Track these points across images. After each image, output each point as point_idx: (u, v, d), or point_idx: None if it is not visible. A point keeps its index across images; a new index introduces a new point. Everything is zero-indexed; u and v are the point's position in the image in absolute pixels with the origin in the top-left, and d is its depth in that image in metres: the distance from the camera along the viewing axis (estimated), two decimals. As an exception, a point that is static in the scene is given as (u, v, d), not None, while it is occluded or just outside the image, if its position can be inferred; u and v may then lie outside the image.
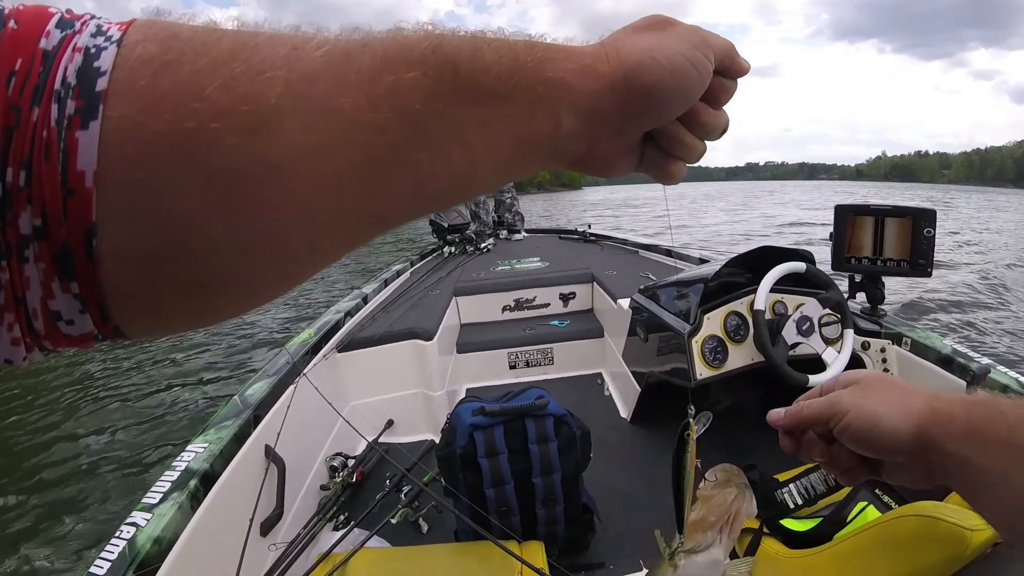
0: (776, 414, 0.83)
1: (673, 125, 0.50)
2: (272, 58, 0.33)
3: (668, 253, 5.60)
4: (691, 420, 0.77)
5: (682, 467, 0.75)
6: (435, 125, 0.37)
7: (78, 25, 0.31)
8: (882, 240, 2.73)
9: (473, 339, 4.77)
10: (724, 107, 0.53)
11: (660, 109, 0.47)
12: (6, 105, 0.28)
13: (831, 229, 2.86)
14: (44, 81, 0.29)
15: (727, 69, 0.51)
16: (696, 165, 0.54)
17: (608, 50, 0.45)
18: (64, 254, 0.29)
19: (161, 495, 1.93)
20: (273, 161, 0.32)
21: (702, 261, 4.72)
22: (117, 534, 1.76)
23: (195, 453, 2.19)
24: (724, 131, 0.52)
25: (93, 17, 0.33)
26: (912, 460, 0.69)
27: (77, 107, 0.29)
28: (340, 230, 0.39)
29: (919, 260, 2.66)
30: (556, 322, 5.01)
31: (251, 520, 2.25)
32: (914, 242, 2.65)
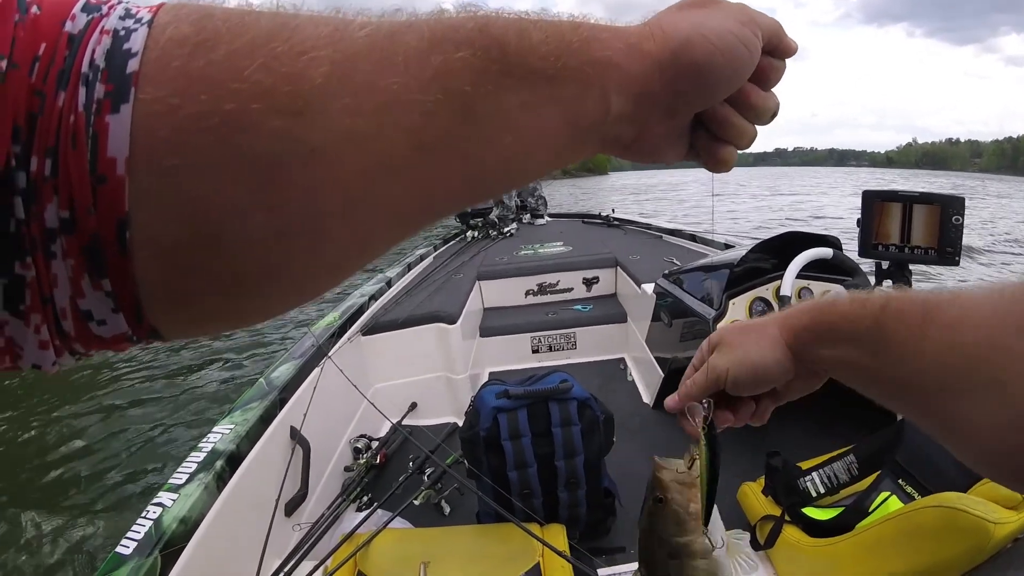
0: (671, 400, 0.83)
1: (723, 107, 0.49)
2: (315, 38, 0.31)
3: (692, 238, 5.57)
4: (712, 417, 0.77)
5: (716, 466, 0.75)
6: (485, 108, 0.36)
7: (105, 9, 0.30)
8: (910, 227, 2.69)
9: (496, 323, 4.78)
10: (773, 89, 0.51)
11: (710, 88, 0.46)
12: (29, 91, 0.27)
13: (858, 216, 2.83)
14: (70, 65, 0.27)
15: (775, 48, 0.49)
16: None
17: (653, 29, 0.44)
18: (94, 248, 0.28)
19: (188, 476, 1.96)
20: (318, 145, 0.30)
21: (727, 246, 4.69)
22: (144, 514, 1.78)
23: (221, 434, 2.22)
24: (775, 114, 0.51)
25: (121, 1, 0.31)
26: (797, 375, 0.75)
27: (107, 91, 0.27)
28: (387, 219, 0.37)
29: (947, 248, 2.62)
30: (579, 307, 5.00)
31: (276, 501, 2.28)
32: (942, 230, 2.61)
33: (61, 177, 0.27)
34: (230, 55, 0.29)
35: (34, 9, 0.28)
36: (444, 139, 0.35)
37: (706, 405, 0.76)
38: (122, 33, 0.29)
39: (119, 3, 0.31)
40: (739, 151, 0.52)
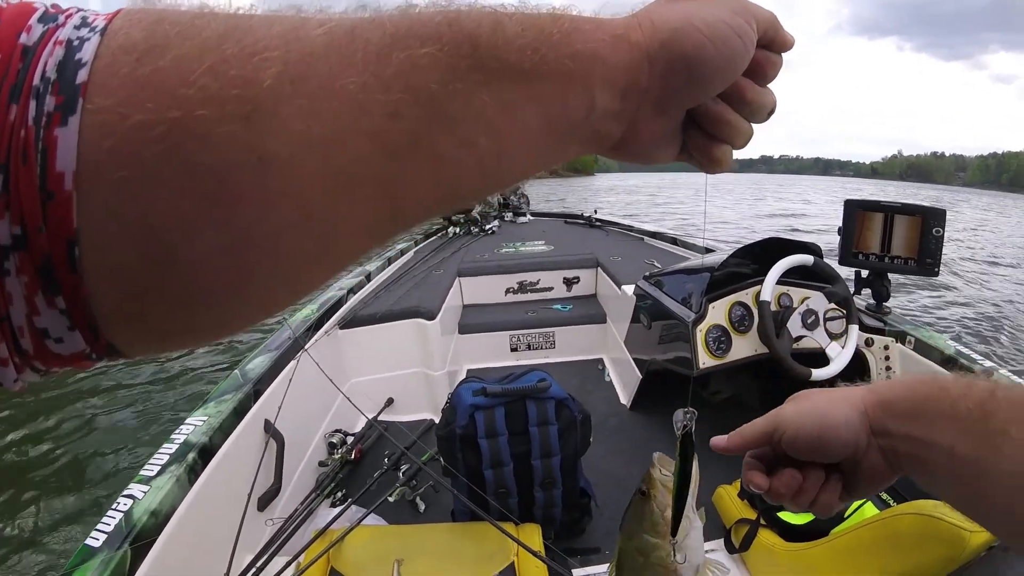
0: (719, 440, 0.79)
1: (716, 103, 0.46)
2: (267, 38, 0.30)
3: (674, 241, 5.59)
4: (691, 427, 0.74)
5: (686, 480, 0.73)
6: (456, 108, 0.34)
7: (62, 18, 0.29)
8: (891, 237, 2.73)
9: (475, 320, 4.78)
10: (770, 86, 0.48)
11: (702, 81, 0.43)
12: None
13: (840, 224, 2.86)
14: (23, 78, 0.26)
15: (771, 41, 0.47)
16: None
17: (641, 19, 0.42)
18: (47, 266, 0.27)
19: (159, 468, 1.94)
20: (269, 152, 0.29)
21: (708, 250, 4.72)
22: (114, 506, 1.76)
23: (194, 426, 2.19)
24: (772, 111, 0.49)
25: (80, 10, 0.30)
26: (868, 453, 0.69)
27: (57, 103, 0.26)
28: (352, 230, 0.35)
29: (927, 259, 2.65)
30: (559, 306, 5.01)
31: (249, 495, 2.26)
32: (923, 241, 2.64)
33: (12, 194, 0.26)
34: (178, 60, 0.28)
35: None
36: (411, 142, 0.33)
37: (688, 415, 0.73)
38: (75, 43, 0.28)
39: (78, 11, 0.30)
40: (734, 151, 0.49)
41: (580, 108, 0.39)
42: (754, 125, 0.49)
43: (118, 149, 0.26)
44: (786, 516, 2.06)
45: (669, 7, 0.43)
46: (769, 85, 0.48)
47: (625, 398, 3.86)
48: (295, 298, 0.37)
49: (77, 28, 0.28)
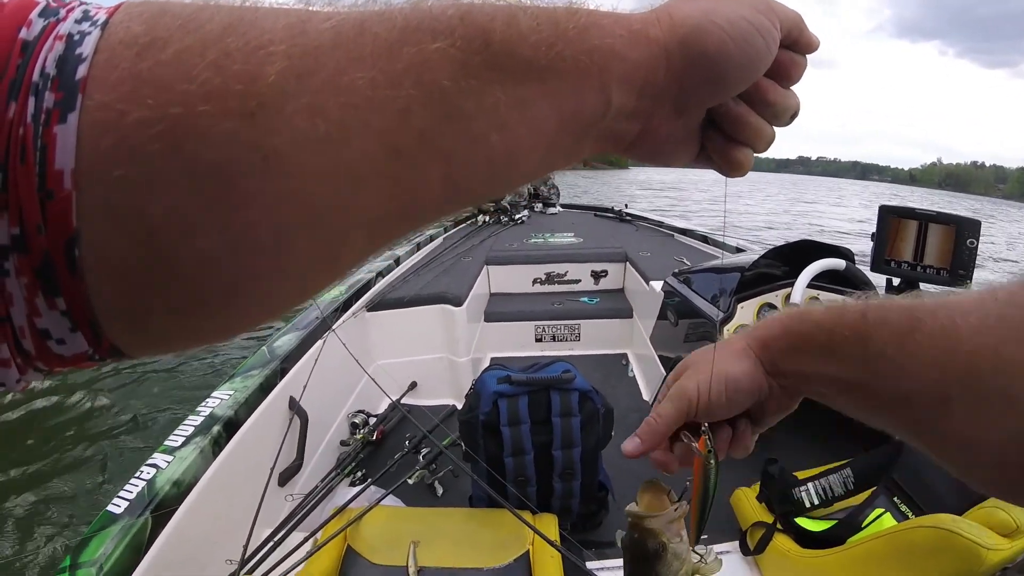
0: (632, 444, 0.73)
1: (737, 104, 0.45)
2: (272, 32, 0.29)
3: (704, 239, 5.54)
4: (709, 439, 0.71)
5: (712, 487, 0.71)
6: (468, 105, 0.33)
7: (63, 12, 0.28)
8: (924, 246, 2.69)
9: (501, 309, 4.79)
10: (794, 87, 0.47)
11: (722, 80, 0.42)
12: None
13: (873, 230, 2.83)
14: (22, 74, 0.26)
15: (795, 42, 0.45)
16: None
17: (660, 15, 0.40)
18: (47, 266, 0.26)
19: (184, 439, 1.97)
20: (273, 150, 0.28)
21: (738, 250, 4.68)
22: (137, 474, 1.79)
23: (220, 400, 2.23)
24: (795, 114, 0.47)
25: (82, 3, 0.29)
26: (770, 393, 0.69)
27: (56, 99, 0.25)
28: (359, 231, 0.34)
29: (959, 270, 2.61)
30: (586, 299, 4.99)
31: (272, 470, 2.29)
32: (956, 251, 2.60)
33: (11, 193, 0.25)
34: (179, 54, 0.27)
35: None
36: (421, 140, 0.32)
37: (705, 428, 0.71)
38: (76, 38, 0.27)
39: (79, 5, 0.29)
40: (755, 155, 0.48)
41: (595, 106, 0.38)
42: (779, 128, 0.48)
43: (117, 147, 0.26)
44: (803, 522, 2.05)
45: (689, 3, 0.42)
46: (793, 87, 0.47)
47: (648, 394, 3.85)
48: (301, 299, 0.37)
49: (78, 22, 0.28)
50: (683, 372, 0.75)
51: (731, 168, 0.48)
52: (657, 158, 0.46)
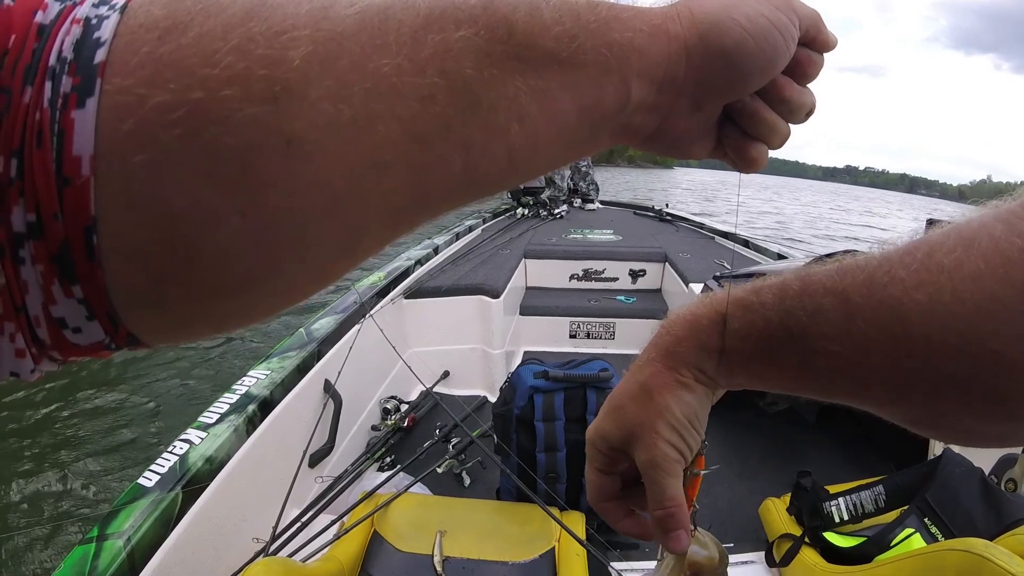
0: (682, 539, 0.60)
1: (754, 101, 0.45)
2: (295, 16, 0.28)
3: (746, 244, 5.45)
4: (702, 455, 0.67)
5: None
6: (490, 94, 0.33)
7: None
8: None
9: (537, 303, 4.78)
10: (810, 86, 0.47)
11: (741, 77, 0.42)
12: None
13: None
14: (38, 59, 0.25)
15: (813, 40, 0.46)
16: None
17: (680, 10, 0.41)
18: (63, 254, 0.26)
19: (218, 416, 1.99)
20: (297, 136, 0.28)
21: (780, 256, 4.64)
22: (170, 449, 1.82)
23: (256, 379, 2.25)
24: (811, 112, 0.47)
25: None
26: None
27: (74, 84, 0.25)
28: (379, 218, 0.34)
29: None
30: (622, 297, 4.97)
31: (305, 452, 2.30)
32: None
33: (27, 179, 0.25)
34: (201, 38, 0.26)
35: (7, 0, 0.26)
36: (443, 128, 0.32)
37: (705, 443, 0.66)
38: (94, 22, 0.26)
39: None
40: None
41: (615, 99, 0.38)
42: (801, 127, 0.48)
43: (137, 132, 0.25)
44: (831, 537, 2.03)
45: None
46: (810, 85, 0.47)
47: None
48: (320, 286, 0.36)
49: (95, 6, 0.27)
50: (628, 435, 0.60)
51: (745, 163, 0.48)
52: (674, 151, 0.47)
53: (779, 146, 0.48)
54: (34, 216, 0.25)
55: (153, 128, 0.25)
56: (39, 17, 0.26)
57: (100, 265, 0.26)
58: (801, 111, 0.47)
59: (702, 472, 0.66)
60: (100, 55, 0.25)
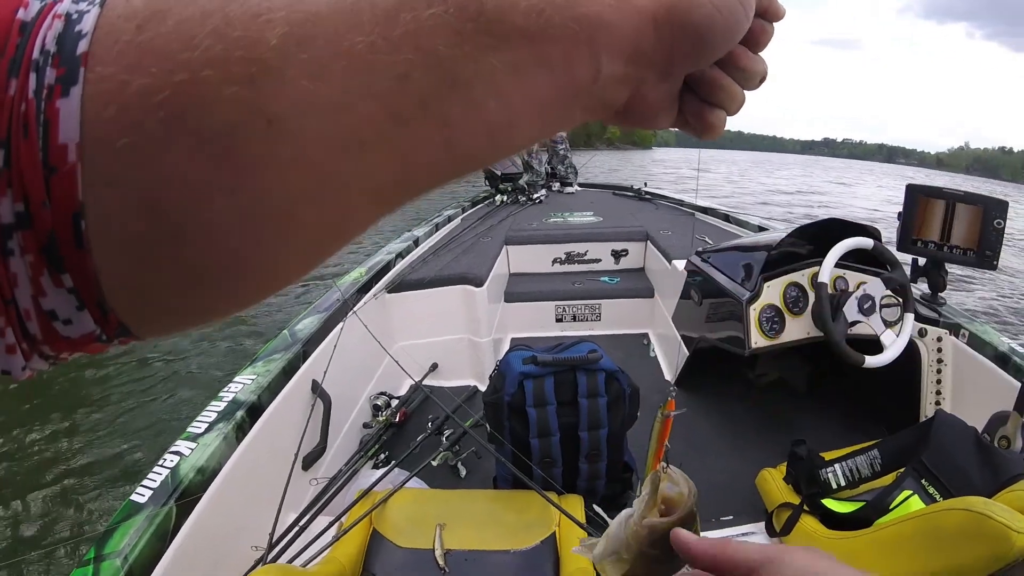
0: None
1: (712, 69, 0.46)
2: (270, 0, 0.29)
3: (726, 218, 5.50)
4: (671, 398, 0.74)
5: (651, 435, 0.75)
6: (465, 71, 0.33)
7: None
8: (951, 226, 2.67)
9: (521, 289, 4.78)
10: (762, 53, 0.48)
11: (708, 48, 0.42)
12: None
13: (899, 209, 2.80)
14: (22, 52, 0.26)
15: (765, 11, 0.46)
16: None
17: None
18: (52, 243, 0.26)
19: (207, 425, 1.98)
20: (277, 115, 0.28)
21: (761, 229, 4.66)
22: (160, 462, 1.80)
23: (243, 384, 2.24)
24: (763, 79, 0.49)
25: None
26: None
27: (58, 75, 0.26)
28: (362, 198, 0.34)
29: (986, 251, 2.59)
30: (606, 278, 4.98)
31: (296, 454, 2.29)
32: (983, 232, 2.58)
33: (14, 169, 0.25)
34: (180, 24, 0.27)
35: None
36: (421, 106, 0.32)
37: (672, 391, 0.74)
38: (74, 16, 0.27)
39: None
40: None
41: (587, 73, 0.38)
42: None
43: (121, 116, 0.26)
44: (830, 503, 2.04)
45: None
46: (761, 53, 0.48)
47: (669, 374, 3.85)
48: (307, 269, 0.36)
49: (75, 2, 0.28)
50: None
51: (706, 129, 0.49)
52: (643, 122, 0.47)
53: (736, 112, 0.49)
54: (22, 206, 0.25)
55: (136, 112, 0.26)
56: (21, 14, 0.27)
57: (89, 251, 0.27)
58: (756, 78, 0.48)
59: (672, 413, 0.74)
60: (83, 46, 0.26)
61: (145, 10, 0.27)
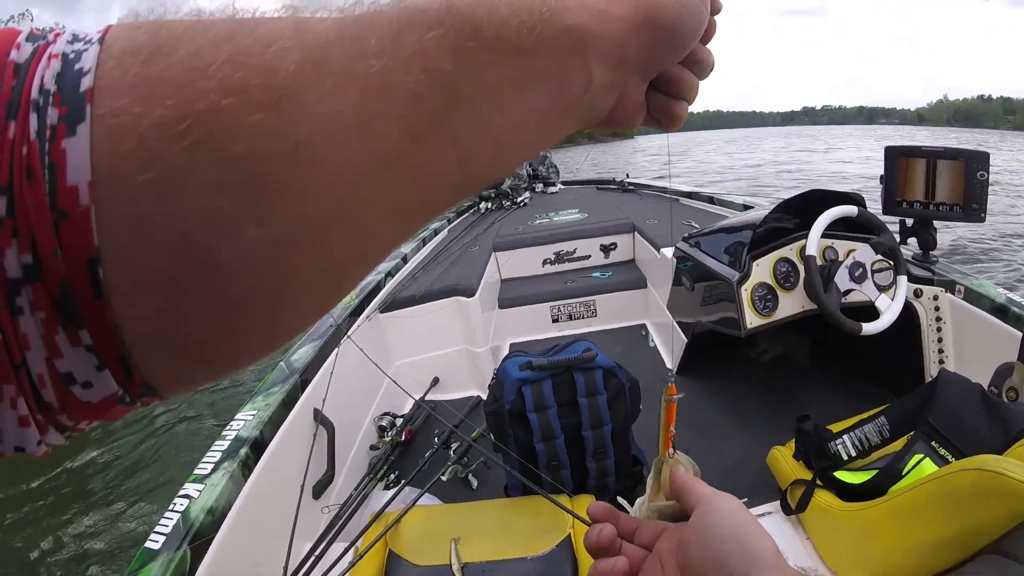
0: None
1: (675, 66, 0.49)
2: (278, 31, 0.29)
3: (710, 200, 5.51)
4: (671, 383, 0.80)
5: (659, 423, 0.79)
6: (470, 89, 0.34)
7: (51, 36, 0.27)
8: (934, 183, 2.66)
9: (515, 294, 4.77)
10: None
11: (679, 48, 0.46)
12: None
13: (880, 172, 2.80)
14: (19, 94, 0.25)
15: (713, 5, 0.49)
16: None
17: None
18: (66, 295, 0.24)
19: (212, 465, 1.97)
20: (303, 139, 0.28)
21: (745, 207, 4.67)
22: (170, 507, 1.79)
23: (244, 421, 2.23)
24: (712, 68, 0.52)
25: (66, 28, 0.29)
26: None
27: (60, 114, 0.24)
28: (387, 218, 0.34)
29: (972, 205, 2.58)
30: (597, 274, 4.97)
31: (303, 484, 2.28)
32: (967, 186, 2.57)
33: (19, 217, 0.23)
34: (191, 55, 0.26)
35: None
36: (433, 124, 0.33)
37: (671, 374, 0.79)
38: (71, 56, 0.26)
39: (65, 30, 0.29)
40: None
41: (579, 83, 0.40)
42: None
43: (139, 150, 0.24)
44: (842, 475, 2.03)
45: None
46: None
47: (670, 362, 3.84)
48: (339, 296, 0.36)
49: (70, 43, 0.27)
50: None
51: (672, 122, 0.52)
52: (624, 122, 0.49)
53: (694, 101, 0.53)
54: (30, 256, 0.24)
55: (156, 144, 0.25)
56: (13, 56, 0.26)
57: (108, 301, 0.25)
58: (708, 68, 0.51)
59: (674, 397, 0.78)
60: (86, 82, 0.25)
61: (150, 44, 0.26)
